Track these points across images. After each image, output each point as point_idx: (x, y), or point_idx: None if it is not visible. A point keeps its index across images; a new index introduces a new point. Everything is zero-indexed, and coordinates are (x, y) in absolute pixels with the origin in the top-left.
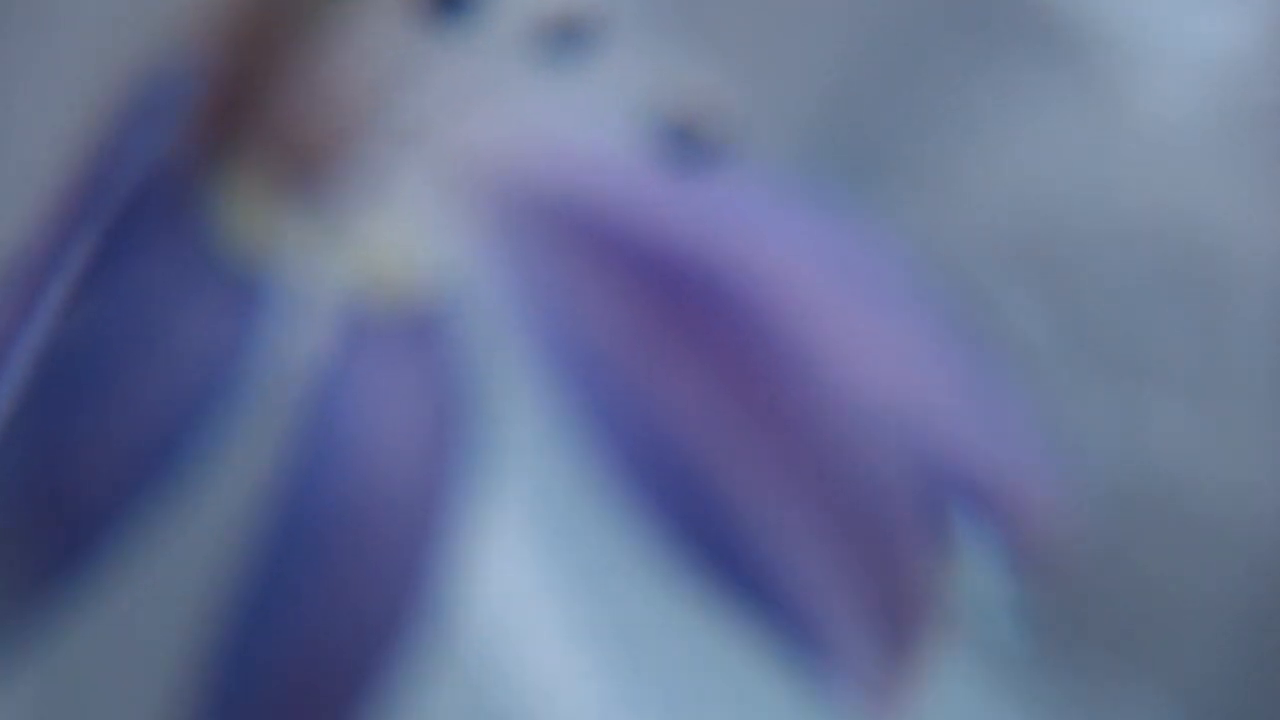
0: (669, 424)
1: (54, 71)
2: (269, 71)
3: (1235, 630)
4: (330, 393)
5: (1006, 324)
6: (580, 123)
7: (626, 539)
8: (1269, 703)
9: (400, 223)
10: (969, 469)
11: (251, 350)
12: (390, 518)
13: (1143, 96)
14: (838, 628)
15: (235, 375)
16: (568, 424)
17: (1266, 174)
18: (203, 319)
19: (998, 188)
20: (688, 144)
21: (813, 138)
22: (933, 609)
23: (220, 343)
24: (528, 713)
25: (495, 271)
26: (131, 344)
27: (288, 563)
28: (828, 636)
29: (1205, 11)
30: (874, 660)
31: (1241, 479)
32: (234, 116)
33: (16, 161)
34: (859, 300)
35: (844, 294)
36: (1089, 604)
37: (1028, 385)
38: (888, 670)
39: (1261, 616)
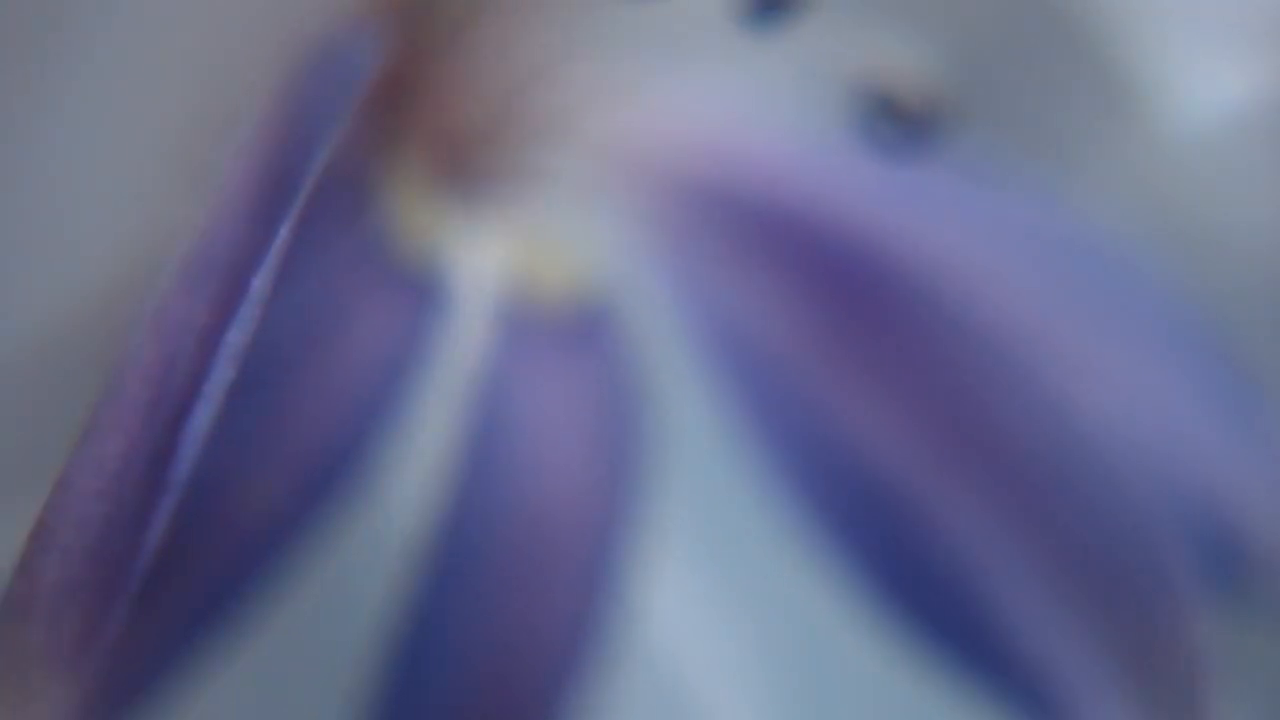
0: (860, 445)
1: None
2: (437, 51)
3: None
4: (499, 395)
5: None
6: (768, 100)
7: (808, 567)
8: None
9: (563, 215)
10: (1237, 510)
11: (424, 346)
12: (563, 526)
13: (1183, 102)
14: (1092, 697)
15: (411, 378)
16: (741, 432)
17: None
18: (380, 320)
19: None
20: (892, 123)
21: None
22: (1207, 681)
23: (397, 345)
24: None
25: (663, 268)
26: (312, 346)
27: (462, 574)
28: (1079, 706)
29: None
30: None
31: None
32: (401, 101)
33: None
34: (1095, 311)
35: (1076, 303)
36: None
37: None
38: None
39: None
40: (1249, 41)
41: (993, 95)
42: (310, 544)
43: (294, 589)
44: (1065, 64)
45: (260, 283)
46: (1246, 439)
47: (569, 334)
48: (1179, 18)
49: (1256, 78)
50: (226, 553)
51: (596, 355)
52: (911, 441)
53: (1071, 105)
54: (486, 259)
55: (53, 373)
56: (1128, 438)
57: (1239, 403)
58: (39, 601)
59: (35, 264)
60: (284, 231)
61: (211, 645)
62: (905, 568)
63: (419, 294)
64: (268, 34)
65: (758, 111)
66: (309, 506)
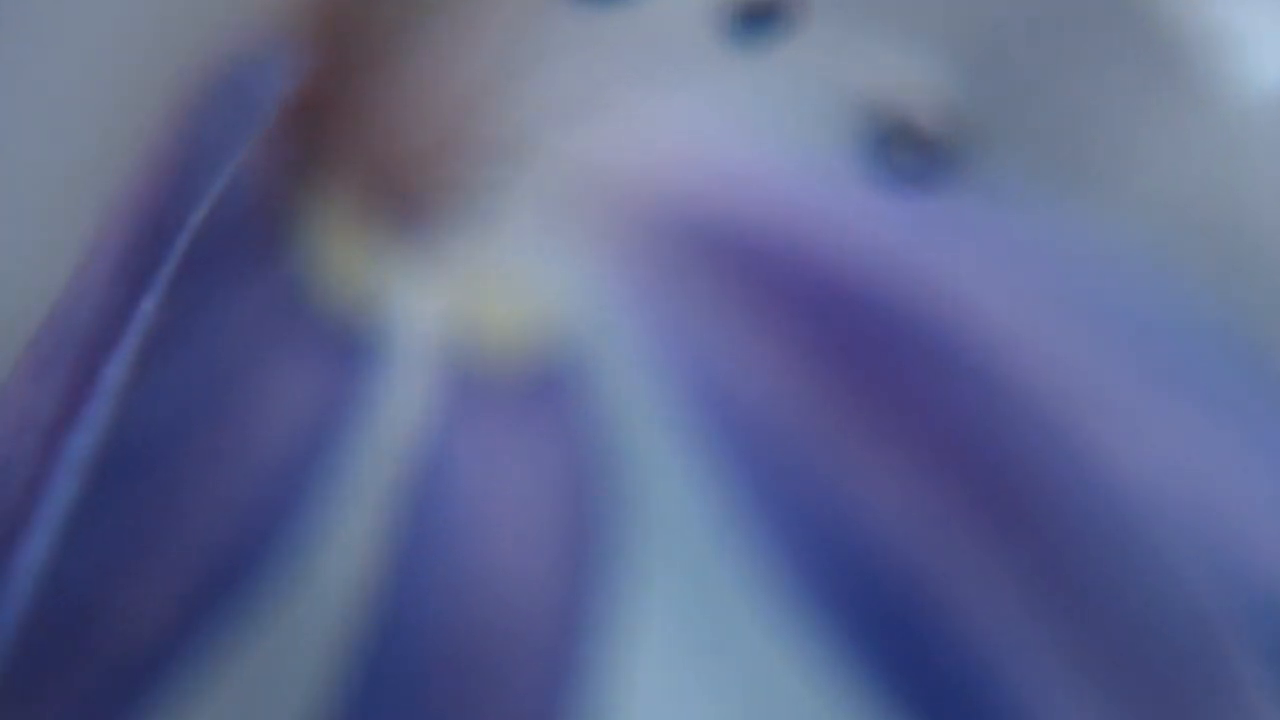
0: (866, 519)
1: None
2: (368, 66)
3: None
4: (441, 467)
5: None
6: (759, 122)
7: (804, 661)
8: None
9: (514, 261)
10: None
11: (353, 413)
12: (517, 618)
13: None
14: None
15: (336, 442)
16: (727, 504)
17: None
18: (300, 377)
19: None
20: (906, 150)
21: (1045, 148)
22: None
23: (319, 405)
24: None
25: (630, 314)
26: (222, 406)
27: (399, 678)
28: None
29: None
30: None
31: None
32: (324, 125)
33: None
34: (1138, 359)
35: (1116, 351)
36: None
37: None
38: None
39: None
40: None
41: (1020, 97)
42: (220, 648)
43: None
44: (1113, 38)
45: (116, 370)
46: None
47: (523, 393)
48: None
49: None
50: (111, 670)
51: (555, 417)
52: (925, 515)
53: (1119, 85)
54: (427, 307)
55: None
56: (1178, 507)
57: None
58: None
59: None
60: (150, 302)
61: None
62: (918, 668)
63: (345, 350)
64: (160, 59)
65: (747, 135)
66: (217, 604)
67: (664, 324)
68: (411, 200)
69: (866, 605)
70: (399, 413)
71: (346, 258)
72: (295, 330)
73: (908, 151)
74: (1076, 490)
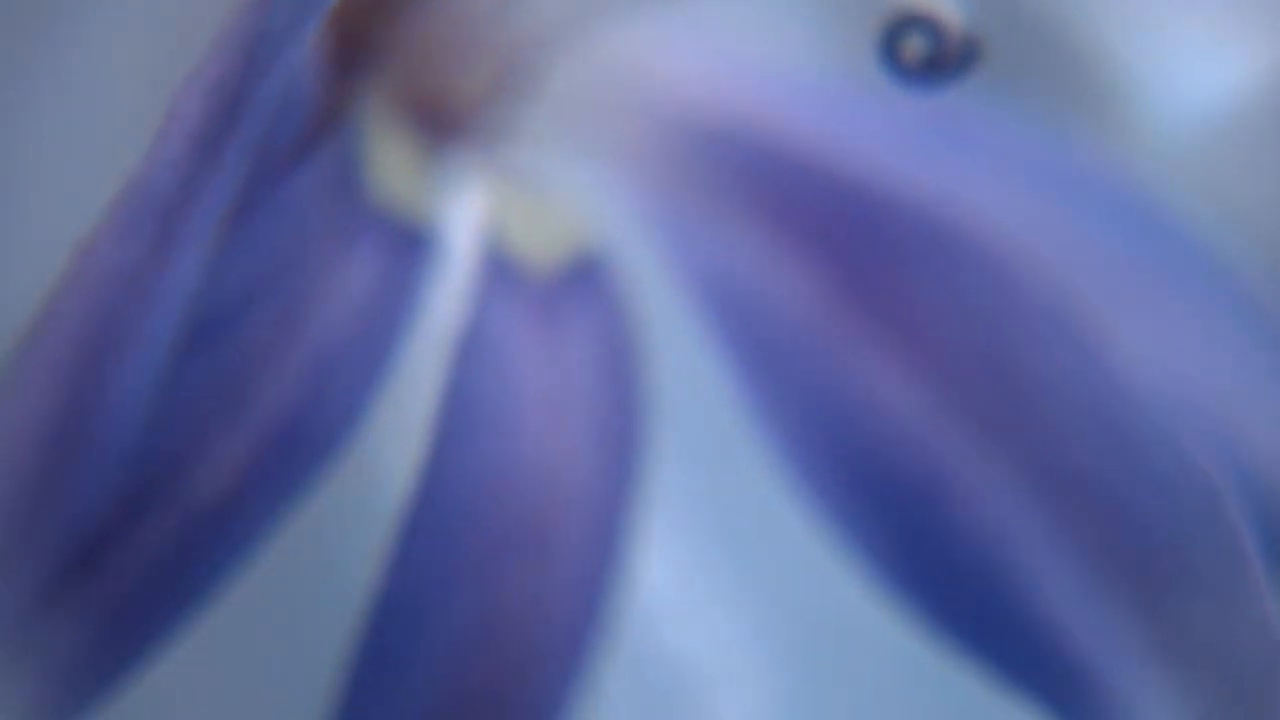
0: (875, 406)
1: None
2: None
3: None
4: (485, 354)
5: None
6: (773, 31)
7: (814, 538)
8: None
9: (551, 170)
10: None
11: (403, 300)
12: (554, 496)
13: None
14: (1138, 699)
15: (388, 325)
16: (746, 398)
17: None
18: (355, 262)
19: None
20: (913, 40)
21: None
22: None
23: (372, 289)
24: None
25: (656, 220)
26: (287, 282)
27: (445, 552)
28: (1128, 704)
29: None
30: None
31: None
32: (371, 36)
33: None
34: (1133, 253)
35: (1114, 246)
36: None
37: None
38: None
39: None
40: (1246, 27)
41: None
42: (285, 508)
43: (270, 556)
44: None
45: (205, 221)
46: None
47: (558, 291)
48: (1175, 3)
49: (1253, 63)
50: (190, 520)
51: (587, 313)
52: (931, 401)
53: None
54: (471, 211)
55: None
56: (1178, 392)
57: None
58: None
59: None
60: (233, 163)
61: (181, 611)
62: (923, 543)
63: (401, 243)
64: None
65: (764, 42)
66: (283, 467)
67: (686, 224)
68: (454, 108)
69: (874, 490)
70: (445, 302)
71: (396, 159)
72: (352, 219)
73: (919, 43)
74: (1076, 377)
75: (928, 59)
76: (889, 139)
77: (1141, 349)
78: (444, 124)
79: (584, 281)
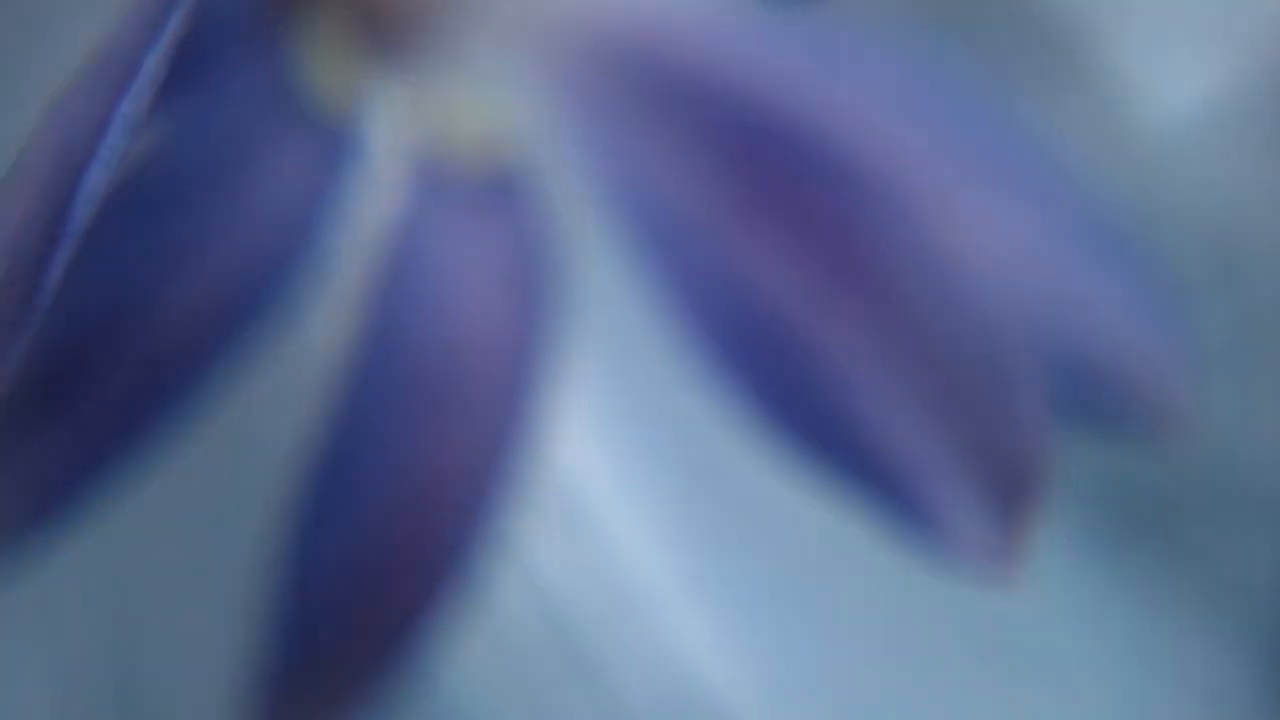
0: (758, 286)
1: None
2: None
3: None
4: (411, 247)
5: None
6: None
7: (711, 403)
8: None
9: (479, 81)
10: (1095, 347)
11: (334, 197)
12: (472, 375)
13: (1148, 92)
14: (945, 490)
15: (319, 222)
16: (650, 286)
17: (1275, 161)
18: (288, 158)
19: None
20: None
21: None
22: (1043, 478)
23: (305, 188)
24: (607, 578)
25: (574, 130)
26: (216, 170)
27: (370, 422)
28: (935, 498)
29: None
30: (985, 524)
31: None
32: None
33: None
34: (978, 169)
35: (962, 161)
36: (1184, 490)
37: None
38: (999, 534)
39: None
40: (1216, 40)
41: None
42: (226, 367)
43: (210, 413)
44: (1027, 50)
45: (152, 61)
46: (1110, 282)
47: (480, 192)
48: (1149, 15)
49: (1222, 76)
50: (140, 367)
51: (507, 213)
52: (801, 281)
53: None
54: (400, 115)
55: None
56: (1002, 278)
57: (1111, 251)
58: None
59: None
60: (177, 20)
61: (127, 460)
62: (789, 388)
63: (330, 141)
64: None
65: None
66: (220, 334)
67: (599, 138)
68: (389, 23)
69: (752, 346)
70: (375, 200)
71: (332, 66)
72: (286, 120)
73: None
74: (919, 263)
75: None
76: (779, 62)
77: (981, 236)
78: (380, 32)
79: (505, 182)
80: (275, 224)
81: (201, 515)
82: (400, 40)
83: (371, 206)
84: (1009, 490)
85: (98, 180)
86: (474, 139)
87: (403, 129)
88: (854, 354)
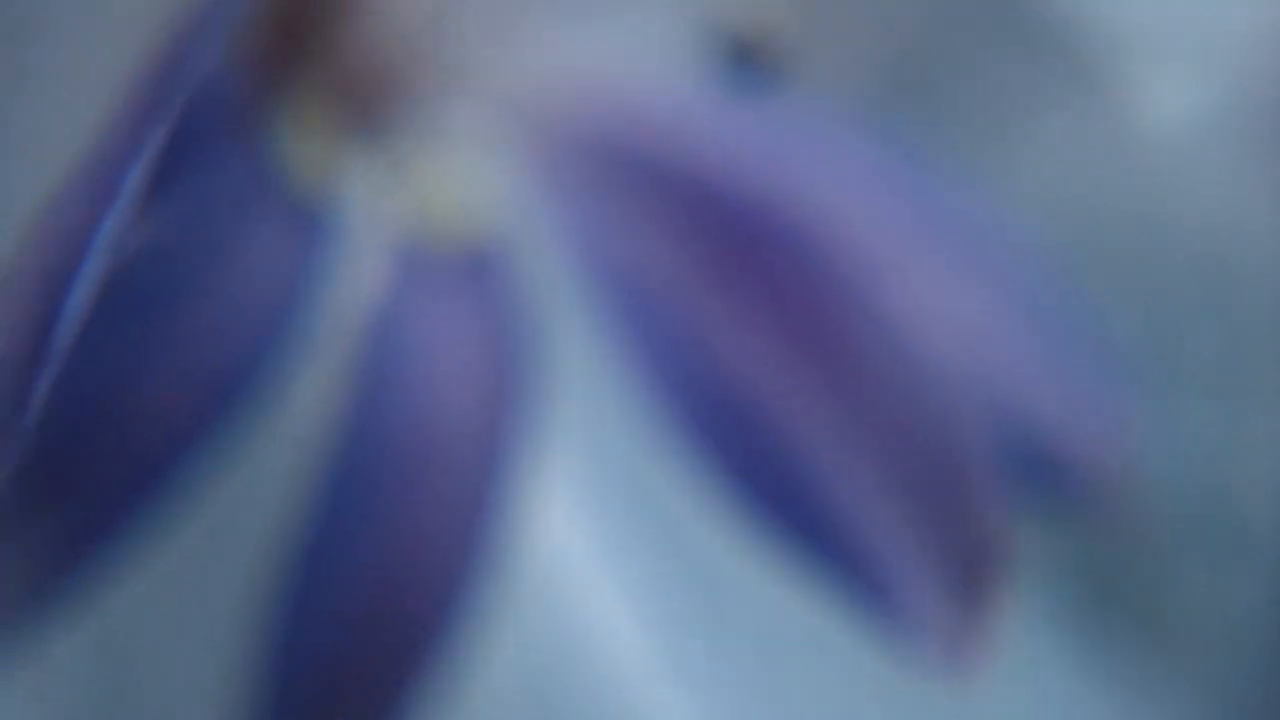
0: (728, 365)
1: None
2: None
3: (1259, 631)
4: (391, 328)
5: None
6: (636, 48)
7: (685, 482)
8: None
9: (457, 161)
10: (1039, 426)
11: (314, 281)
12: (451, 455)
13: (1145, 103)
14: (907, 575)
15: (299, 305)
16: (624, 364)
17: (1270, 173)
18: (268, 245)
19: (1024, 187)
20: (747, 66)
21: (880, 80)
22: (1003, 562)
23: (285, 271)
24: (585, 659)
25: (551, 210)
26: (197, 264)
27: (352, 501)
28: (897, 584)
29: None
30: (946, 610)
31: (1261, 476)
32: (294, 37)
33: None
34: (932, 248)
35: (916, 240)
36: (1145, 570)
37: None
38: (961, 621)
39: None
40: (1213, 50)
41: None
42: (207, 459)
43: (192, 504)
44: (1021, 56)
45: (135, 177)
46: (1053, 367)
47: (461, 272)
48: (1147, 25)
49: (1218, 86)
50: (120, 464)
51: (488, 293)
52: (764, 356)
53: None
54: (379, 194)
55: None
56: (955, 358)
57: (1065, 333)
58: None
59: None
60: (159, 134)
61: (119, 546)
62: (756, 465)
63: (309, 222)
64: None
65: (639, 60)
66: (203, 423)
67: (575, 220)
68: (371, 106)
69: (723, 427)
70: (356, 282)
71: (311, 146)
72: (267, 206)
73: (748, 67)
74: (879, 341)
75: (748, 80)
76: (746, 143)
77: (934, 316)
78: (358, 111)
79: (482, 260)
80: (257, 308)
81: (185, 590)
82: (378, 119)
83: (351, 287)
84: (968, 570)
85: (81, 300)
86: (451, 216)
87: (382, 208)
88: (815, 430)
